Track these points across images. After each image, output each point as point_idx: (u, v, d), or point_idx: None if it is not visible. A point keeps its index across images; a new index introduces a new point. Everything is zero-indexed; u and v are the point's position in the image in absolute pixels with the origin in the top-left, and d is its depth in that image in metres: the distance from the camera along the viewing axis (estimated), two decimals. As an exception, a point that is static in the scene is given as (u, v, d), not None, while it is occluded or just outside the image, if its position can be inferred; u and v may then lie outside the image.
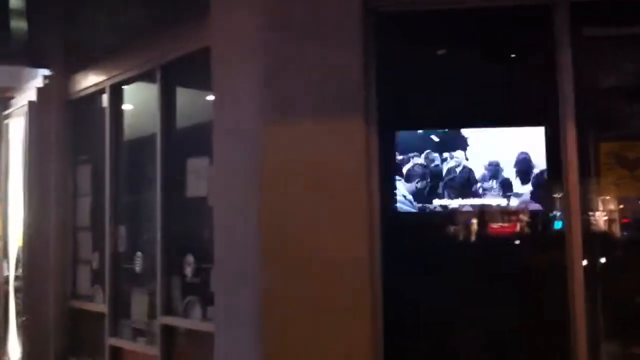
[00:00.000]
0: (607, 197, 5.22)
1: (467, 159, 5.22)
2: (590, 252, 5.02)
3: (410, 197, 5.26)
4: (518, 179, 5.14)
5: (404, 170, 5.27)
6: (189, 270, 6.40)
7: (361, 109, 5.11)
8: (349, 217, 5.06)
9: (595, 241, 5.09)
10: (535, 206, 5.15)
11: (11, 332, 8.76)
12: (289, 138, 5.13)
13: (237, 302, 5.31)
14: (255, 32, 5.31)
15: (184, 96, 6.90)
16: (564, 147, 4.98)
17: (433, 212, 5.26)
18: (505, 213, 5.23)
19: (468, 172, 5.22)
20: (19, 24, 7.88)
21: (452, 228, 5.35)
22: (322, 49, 5.13)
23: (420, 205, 5.24)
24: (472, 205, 5.22)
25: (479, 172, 5.20)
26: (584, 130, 5.03)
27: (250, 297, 5.17)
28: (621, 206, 5.26)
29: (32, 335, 8.09)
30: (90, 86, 7.87)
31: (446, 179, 5.24)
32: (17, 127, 8.65)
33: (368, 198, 5.09)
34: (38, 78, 8.35)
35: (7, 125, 9.10)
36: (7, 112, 9.11)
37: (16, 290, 8.61)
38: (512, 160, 5.16)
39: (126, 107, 7.65)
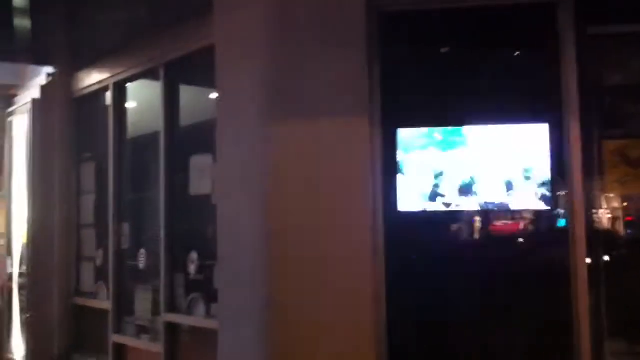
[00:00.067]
0: (611, 195, 5.22)
1: (470, 157, 5.22)
2: (594, 250, 5.01)
3: (413, 195, 5.25)
4: (522, 177, 5.13)
5: (407, 168, 5.26)
6: (192, 268, 6.41)
7: (365, 108, 5.11)
8: (352, 216, 5.07)
9: (599, 239, 5.08)
10: (539, 204, 5.13)
11: (15, 329, 8.77)
12: (292, 137, 5.14)
13: (241, 300, 5.31)
14: (258, 30, 5.32)
15: (187, 94, 6.90)
16: (568, 145, 4.98)
17: (436, 211, 5.24)
18: (509, 211, 5.22)
19: (471, 171, 5.21)
20: (22, 22, 7.89)
21: (455, 227, 5.35)
22: (325, 47, 5.14)
23: (423, 203, 5.23)
24: (475, 204, 5.21)
25: (482, 170, 5.19)
26: (588, 128, 5.02)
27: (254, 294, 5.19)
28: (625, 204, 5.26)
29: (36, 332, 8.11)
30: (94, 84, 7.88)
31: (449, 177, 5.23)
32: (21, 124, 8.66)
33: (371, 197, 5.09)
34: (42, 76, 8.36)
35: (11, 123, 9.11)
36: (10, 109, 9.12)
37: (20, 288, 8.62)
38: (516, 158, 5.15)
39: (130, 104, 7.66)
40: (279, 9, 5.24)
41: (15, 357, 8.70)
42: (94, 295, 7.89)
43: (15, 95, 9.25)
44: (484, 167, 5.19)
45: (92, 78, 7.89)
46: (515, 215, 5.25)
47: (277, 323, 5.06)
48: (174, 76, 6.75)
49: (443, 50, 5.49)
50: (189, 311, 6.41)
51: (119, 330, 7.37)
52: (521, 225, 5.25)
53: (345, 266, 5.03)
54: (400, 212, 5.23)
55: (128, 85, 7.56)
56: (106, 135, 7.64)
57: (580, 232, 4.93)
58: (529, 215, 5.25)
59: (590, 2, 5.04)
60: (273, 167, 5.17)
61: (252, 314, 5.20)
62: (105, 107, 7.76)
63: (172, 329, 6.58)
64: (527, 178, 5.14)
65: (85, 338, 8.01)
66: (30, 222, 8.21)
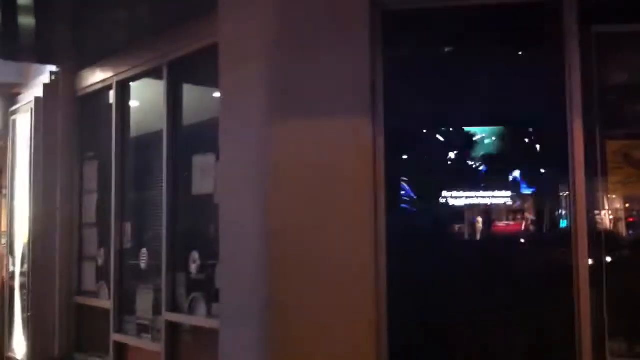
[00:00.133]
0: (614, 196, 5.20)
1: (473, 157, 5.21)
2: (596, 251, 5.00)
3: (414, 195, 5.24)
4: (524, 176, 5.13)
5: (409, 168, 5.25)
6: (194, 267, 6.41)
7: (367, 108, 5.11)
8: (354, 216, 5.06)
9: (601, 240, 5.07)
10: (541, 204, 5.13)
11: (17, 328, 8.77)
12: (295, 137, 5.13)
13: (242, 300, 5.31)
14: (261, 30, 5.32)
15: (190, 93, 6.90)
16: (570, 145, 4.95)
17: (438, 211, 5.24)
18: (511, 211, 5.21)
19: (474, 171, 5.21)
20: (26, 21, 7.89)
21: (457, 227, 5.34)
22: (328, 47, 5.13)
23: (426, 203, 5.22)
24: (477, 204, 5.20)
25: (485, 169, 5.19)
26: (591, 128, 5.01)
27: (255, 294, 5.18)
28: (627, 205, 5.24)
29: (37, 331, 8.12)
30: (97, 82, 7.89)
31: (452, 177, 5.22)
32: (24, 123, 8.67)
33: (374, 197, 5.08)
34: (45, 74, 8.38)
35: (14, 121, 9.12)
36: (14, 108, 9.13)
37: (22, 287, 8.63)
38: (520, 158, 5.14)
39: (133, 103, 7.66)
40: (282, 8, 5.24)
41: (16, 356, 8.70)
42: (95, 294, 7.89)
43: (18, 94, 9.29)
44: (486, 166, 5.18)
45: (96, 77, 7.90)
46: (517, 215, 5.24)
47: (278, 323, 5.05)
48: (177, 75, 6.75)
49: (446, 49, 5.48)
50: (190, 311, 6.41)
51: (120, 329, 7.37)
52: (523, 225, 5.23)
53: (347, 266, 5.02)
54: (402, 212, 5.22)
55: (131, 84, 7.56)
56: (109, 134, 7.64)
57: (582, 232, 4.90)
58: (531, 216, 5.24)
59: (594, 1, 5.03)
60: (274, 167, 5.16)
61: (253, 314, 5.19)
62: (109, 106, 7.76)
63: (173, 329, 6.57)
64: (530, 178, 5.13)
65: (87, 337, 8.01)
66: (32, 221, 8.22)
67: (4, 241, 9.78)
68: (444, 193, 5.22)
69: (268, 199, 5.16)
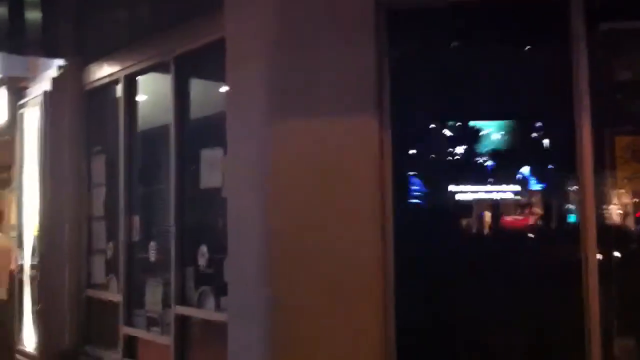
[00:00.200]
0: (622, 191, 5.19)
1: (480, 153, 5.20)
2: (605, 246, 4.99)
3: (422, 193, 5.24)
4: (532, 171, 5.12)
5: (416, 165, 5.25)
6: (202, 261, 6.42)
7: (374, 104, 5.10)
8: (362, 211, 5.06)
9: (610, 235, 5.06)
10: (550, 199, 5.12)
11: (27, 321, 8.80)
12: (299, 134, 5.13)
13: (247, 297, 5.33)
14: (266, 27, 5.31)
15: (197, 87, 6.90)
16: (579, 141, 4.94)
17: (446, 206, 5.24)
18: (519, 206, 5.20)
19: (482, 166, 5.20)
20: (34, 15, 7.90)
21: (465, 222, 5.34)
22: (334, 44, 5.13)
23: (433, 198, 5.22)
24: (485, 199, 5.19)
25: (493, 165, 5.18)
26: (599, 124, 4.99)
27: (259, 292, 5.19)
28: (635, 200, 5.23)
29: (47, 324, 8.16)
30: (105, 77, 7.90)
31: (460, 172, 5.22)
32: (32, 117, 8.68)
33: (381, 191, 5.08)
34: (53, 68, 8.39)
35: (22, 115, 9.14)
36: (22, 102, 9.14)
37: (31, 280, 8.66)
38: (527, 153, 5.13)
39: (140, 97, 7.66)
40: (283, 7, 5.24)
41: (26, 348, 8.74)
42: (104, 287, 7.92)
43: (26, 88, 9.29)
44: (494, 162, 5.17)
45: (103, 71, 7.90)
46: (525, 210, 5.23)
47: (282, 322, 5.07)
48: (185, 69, 6.75)
49: (452, 46, 5.46)
50: (199, 304, 6.43)
51: (129, 322, 7.40)
52: (531, 220, 5.23)
53: (352, 266, 5.02)
54: (410, 210, 5.21)
55: (139, 78, 7.56)
56: (117, 128, 7.66)
57: (591, 227, 4.90)
58: (539, 211, 5.23)
59: (601, -2, 5.03)
60: (279, 165, 5.17)
61: (258, 312, 5.21)
62: (116, 100, 7.77)
63: (182, 322, 6.60)
64: (538, 173, 5.13)
65: (96, 330, 8.04)
66: (41, 215, 8.25)
67: (13, 234, 9.80)
68: (452, 188, 5.21)
69: (270, 199, 5.17)
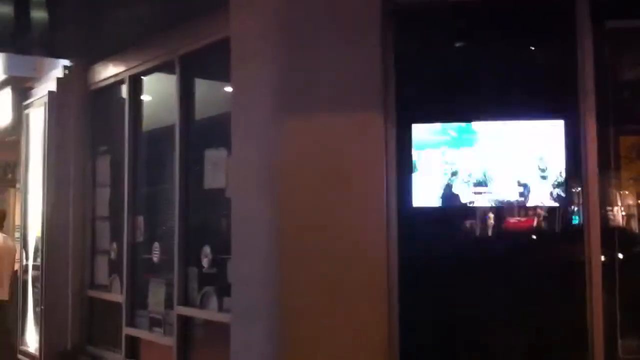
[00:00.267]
0: (627, 192, 5.18)
1: (484, 153, 5.18)
2: (609, 248, 4.97)
3: (427, 192, 5.22)
4: (536, 173, 5.10)
5: (421, 165, 5.23)
6: (205, 261, 6.41)
7: (379, 103, 5.10)
8: (365, 211, 5.06)
9: (614, 236, 5.04)
10: (553, 201, 5.10)
11: (29, 322, 8.81)
12: (305, 133, 5.13)
13: (253, 297, 5.31)
14: (272, 26, 5.32)
15: (202, 87, 6.90)
16: (583, 141, 4.93)
17: (450, 207, 5.22)
18: (523, 207, 5.18)
19: (485, 167, 5.18)
20: (39, 14, 7.90)
21: (468, 223, 5.32)
22: (340, 42, 5.13)
23: (437, 200, 5.20)
24: (489, 200, 5.17)
25: (496, 166, 5.16)
26: (604, 124, 4.98)
27: (265, 293, 5.18)
28: (640, 201, 5.23)
29: (50, 325, 8.15)
30: (110, 77, 7.91)
31: (463, 173, 5.20)
32: (38, 117, 8.69)
33: (385, 192, 5.07)
34: (58, 68, 8.41)
35: (27, 115, 9.14)
36: (27, 102, 9.16)
37: (34, 280, 8.66)
38: (531, 154, 5.11)
39: (145, 98, 7.67)
40: (294, 4, 5.23)
41: (29, 349, 8.74)
42: (107, 288, 7.92)
43: (31, 88, 9.31)
44: (498, 163, 5.15)
45: (108, 71, 7.92)
46: (529, 212, 5.21)
47: (288, 322, 5.05)
48: (190, 69, 6.76)
49: (457, 45, 5.46)
50: (202, 305, 6.42)
51: (132, 323, 7.39)
52: (535, 222, 5.21)
53: (359, 262, 5.02)
54: (414, 209, 5.20)
55: (143, 78, 7.57)
56: (122, 128, 7.66)
57: (595, 228, 4.89)
58: (543, 212, 5.21)
59: (607, -4, 5.02)
60: (285, 164, 5.16)
61: (263, 312, 5.20)
62: (121, 100, 7.78)
63: (185, 322, 6.59)
64: (542, 175, 5.10)
65: (99, 331, 8.04)
66: (46, 215, 8.25)
67: (17, 235, 9.81)
68: (457, 190, 5.19)
69: (279, 195, 5.16)
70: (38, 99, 8.73)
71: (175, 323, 6.60)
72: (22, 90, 9.51)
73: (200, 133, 6.73)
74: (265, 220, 5.22)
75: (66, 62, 8.32)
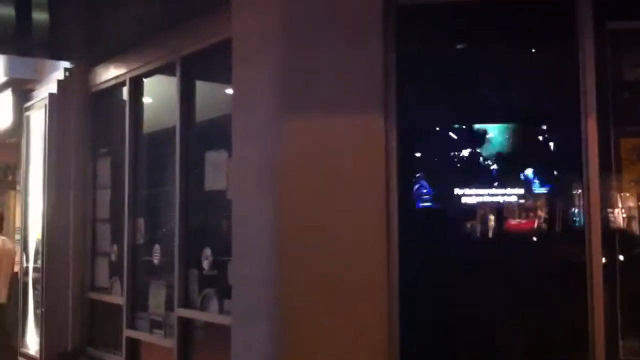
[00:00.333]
0: (628, 194, 5.17)
1: (487, 155, 5.18)
2: (610, 250, 4.97)
3: (428, 193, 5.22)
4: (538, 174, 5.10)
5: (423, 164, 5.23)
6: (206, 263, 6.40)
7: (379, 103, 5.10)
8: (366, 212, 5.06)
9: (615, 238, 5.04)
10: (555, 202, 5.10)
11: (30, 324, 8.80)
12: (306, 133, 5.12)
13: (254, 298, 5.30)
14: (274, 25, 5.32)
15: (203, 89, 6.90)
16: (584, 142, 4.93)
17: (451, 208, 5.22)
18: (524, 209, 5.18)
19: (487, 168, 5.18)
20: (40, 16, 7.92)
21: (469, 224, 5.31)
22: (340, 42, 5.12)
23: (439, 200, 5.20)
24: (490, 201, 5.17)
25: (498, 167, 5.16)
26: (605, 126, 4.98)
27: (267, 293, 5.17)
28: (641, 203, 5.22)
29: (50, 327, 8.14)
30: (111, 79, 7.90)
31: (466, 174, 5.20)
32: (38, 119, 8.69)
33: (386, 193, 5.07)
34: (59, 70, 8.41)
35: (28, 117, 9.15)
36: (28, 104, 9.16)
37: (35, 282, 8.66)
38: (533, 155, 5.11)
39: (146, 99, 7.67)
40: (293, 4, 5.23)
41: (29, 351, 8.73)
42: (108, 290, 7.92)
43: (32, 90, 9.32)
44: (499, 164, 5.15)
45: (109, 73, 7.91)
46: (530, 213, 5.20)
47: (288, 322, 5.05)
48: (190, 71, 6.75)
49: (460, 46, 5.45)
50: (203, 307, 6.41)
51: (132, 325, 7.38)
52: (536, 223, 5.20)
53: (359, 263, 5.01)
54: (415, 210, 5.20)
55: (144, 80, 7.57)
56: (122, 130, 7.66)
57: (596, 230, 4.89)
58: (544, 214, 5.20)
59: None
60: (285, 164, 5.16)
61: (264, 313, 5.19)
62: (122, 102, 7.78)
63: (185, 325, 6.58)
64: (543, 176, 5.11)
65: (99, 333, 8.04)
66: (46, 217, 8.25)
67: (18, 237, 9.81)
68: (458, 190, 5.19)
69: (280, 196, 5.16)
70: (39, 101, 8.73)
71: (176, 325, 6.59)
72: (22, 93, 9.53)
73: (201, 135, 6.72)
74: (265, 220, 5.21)
75: (67, 64, 8.31)
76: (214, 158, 6.39)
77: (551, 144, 5.15)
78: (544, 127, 5.15)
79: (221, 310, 6.13)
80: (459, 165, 5.22)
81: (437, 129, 5.34)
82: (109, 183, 8.11)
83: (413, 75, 5.21)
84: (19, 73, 9.24)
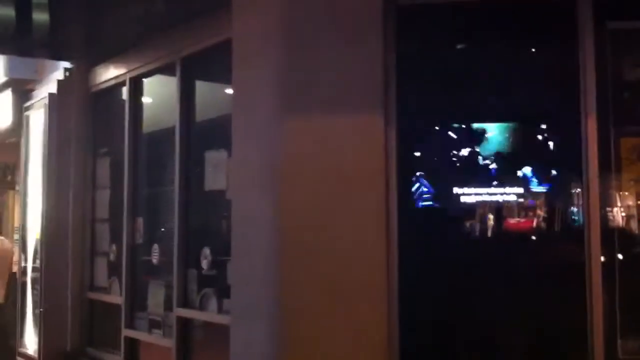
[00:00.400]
0: (627, 193, 5.18)
1: (486, 154, 5.19)
2: (609, 249, 4.98)
3: (427, 192, 5.23)
4: (537, 173, 5.11)
5: (422, 164, 5.24)
6: (205, 263, 6.41)
7: (379, 103, 5.10)
8: (366, 212, 5.06)
9: (614, 237, 5.05)
10: (554, 201, 5.11)
11: (29, 324, 8.80)
12: (306, 133, 5.13)
13: (253, 298, 5.30)
14: (274, 26, 5.32)
15: (203, 89, 6.91)
16: (584, 142, 4.94)
17: (451, 207, 5.23)
18: (523, 208, 5.19)
19: (487, 167, 5.19)
20: (41, 17, 7.93)
21: (468, 223, 5.31)
22: (340, 42, 5.13)
23: (439, 199, 5.21)
24: (489, 200, 5.18)
25: (497, 166, 5.17)
26: (605, 125, 4.99)
27: (266, 293, 5.17)
28: (640, 202, 5.23)
29: (49, 327, 8.14)
30: (111, 79, 7.91)
31: (465, 173, 5.21)
32: (38, 119, 8.70)
33: (386, 192, 5.07)
34: (59, 70, 8.41)
35: (27, 117, 9.15)
36: (27, 104, 9.16)
37: (34, 282, 8.66)
38: (532, 154, 5.12)
39: (146, 99, 7.68)
40: (295, 3, 5.24)
41: (28, 351, 8.73)
42: (107, 290, 7.92)
43: (32, 90, 9.32)
44: (498, 163, 5.16)
45: (109, 73, 7.92)
46: (529, 212, 5.21)
47: (288, 322, 5.05)
48: (190, 71, 6.76)
49: (460, 46, 5.46)
50: (201, 306, 6.41)
51: (131, 325, 7.39)
52: (535, 222, 5.20)
53: (359, 263, 5.02)
54: (415, 209, 5.20)
55: (144, 80, 7.57)
56: (122, 130, 7.66)
57: (595, 229, 4.90)
58: (543, 212, 5.21)
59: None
60: (286, 164, 5.16)
61: (263, 312, 5.19)
62: (122, 102, 7.78)
63: (184, 324, 6.58)
64: (543, 175, 5.11)
65: (98, 332, 8.03)
66: (45, 217, 8.25)
67: (17, 237, 9.81)
68: (457, 189, 5.20)
69: (279, 195, 5.16)
70: (38, 100, 8.74)
71: (175, 325, 6.59)
72: (22, 93, 9.54)
73: (201, 135, 6.72)
74: (265, 219, 5.22)
75: (67, 64, 8.32)
76: (214, 158, 6.40)
77: (551, 144, 5.15)
78: (544, 127, 5.16)
79: (220, 310, 6.13)
80: (458, 164, 5.23)
81: (437, 128, 5.34)
82: (108, 183, 8.11)
83: (413, 75, 5.21)
84: (19, 73, 9.25)
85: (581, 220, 4.99)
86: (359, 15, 5.12)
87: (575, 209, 5.08)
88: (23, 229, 9.22)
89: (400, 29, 5.18)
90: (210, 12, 6.11)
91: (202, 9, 6.23)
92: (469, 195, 5.19)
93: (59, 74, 8.36)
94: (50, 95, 8.28)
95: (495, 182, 5.18)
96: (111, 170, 8.06)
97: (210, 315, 6.28)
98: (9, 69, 9.35)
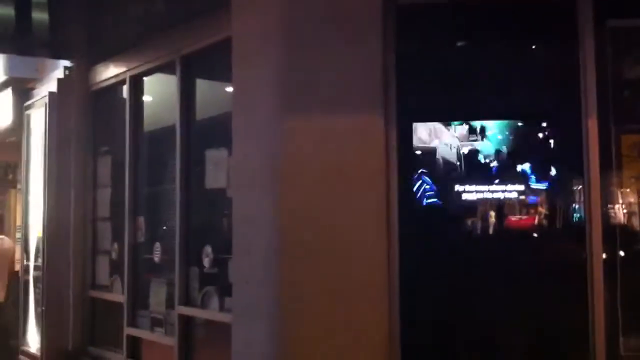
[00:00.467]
0: (628, 190, 5.18)
1: (486, 152, 5.19)
2: (610, 246, 4.98)
3: (428, 190, 5.23)
4: (538, 171, 5.11)
5: (422, 162, 5.24)
6: (207, 261, 6.41)
7: (379, 103, 5.10)
8: (367, 210, 5.06)
9: (615, 234, 5.05)
10: (555, 199, 5.11)
11: (31, 322, 8.81)
12: (306, 131, 5.13)
13: (254, 296, 5.31)
14: (274, 24, 5.31)
15: (203, 87, 6.90)
16: (585, 139, 4.95)
17: (452, 205, 5.22)
18: (524, 205, 5.19)
19: (488, 165, 5.19)
20: (41, 15, 7.93)
21: (470, 221, 5.31)
22: (340, 42, 5.12)
23: (439, 197, 5.21)
24: (490, 198, 5.18)
25: (498, 164, 5.17)
26: (606, 123, 4.99)
27: (267, 291, 5.18)
28: (642, 199, 5.23)
29: (51, 325, 8.16)
30: (111, 77, 7.91)
31: (465, 171, 5.21)
32: (38, 118, 8.70)
33: (386, 192, 5.08)
34: (59, 69, 8.41)
35: (28, 116, 9.16)
36: (28, 103, 9.17)
37: (36, 280, 8.67)
38: (533, 152, 5.12)
39: (146, 98, 7.67)
40: (295, 3, 5.23)
41: (30, 349, 8.75)
42: (109, 288, 7.93)
43: (32, 89, 9.32)
44: (499, 162, 5.16)
45: (109, 72, 7.91)
46: (530, 209, 5.21)
47: (289, 322, 5.05)
48: (190, 70, 6.75)
49: (460, 44, 5.46)
50: (203, 305, 6.41)
51: (133, 323, 7.39)
52: (536, 219, 5.21)
53: (360, 262, 5.02)
54: (415, 208, 5.20)
55: (144, 78, 7.57)
56: (122, 129, 7.66)
57: (597, 227, 4.91)
58: (544, 210, 5.21)
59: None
60: (286, 163, 5.16)
61: (264, 311, 5.19)
62: (122, 101, 7.78)
63: (186, 322, 6.59)
64: (544, 173, 5.12)
65: (100, 331, 8.04)
66: (46, 215, 8.26)
67: (18, 235, 9.82)
68: (458, 188, 5.20)
69: (280, 194, 5.16)
70: (39, 99, 8.74)
71: (177, 323, 6.60)
72: (23, 91, 9.54)
73: (201, 133, 6.72)
74: (265, 219, 5.22)
75: (67, 63, 8.32)
76: (215, 156, 6.39)
77: (552, 141, 5.15)
78: (545, 125, 5.15)
79: (222, 308, 6.14)
80: (459, 163, 5.22)
81: (438, 126, 5.33)
82: (109, 181, 8.11)
83: (413, 75, 5.21)
84: (19, 72, 9.25)
85: (582, 217, 5.00)
86: (358, 15, 5.12)
87: (576, 206, 5.08)
88: (25, 227, 9.24)
89: (400, 28, 5.18)
90: (210, 11, 6.11)
91: (201, 9, 6.23)
92: (470, 192, 5.19)
93: (59, 73, 8.36)
94: (51, 94, 8.29)
95: (496, 180, 5.17)
96: (112, 168, 8.06)
97: (212, 313, 6.29)
98: (9, 68, 9.35)
